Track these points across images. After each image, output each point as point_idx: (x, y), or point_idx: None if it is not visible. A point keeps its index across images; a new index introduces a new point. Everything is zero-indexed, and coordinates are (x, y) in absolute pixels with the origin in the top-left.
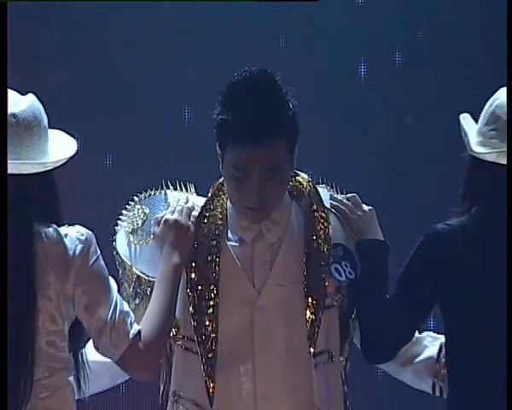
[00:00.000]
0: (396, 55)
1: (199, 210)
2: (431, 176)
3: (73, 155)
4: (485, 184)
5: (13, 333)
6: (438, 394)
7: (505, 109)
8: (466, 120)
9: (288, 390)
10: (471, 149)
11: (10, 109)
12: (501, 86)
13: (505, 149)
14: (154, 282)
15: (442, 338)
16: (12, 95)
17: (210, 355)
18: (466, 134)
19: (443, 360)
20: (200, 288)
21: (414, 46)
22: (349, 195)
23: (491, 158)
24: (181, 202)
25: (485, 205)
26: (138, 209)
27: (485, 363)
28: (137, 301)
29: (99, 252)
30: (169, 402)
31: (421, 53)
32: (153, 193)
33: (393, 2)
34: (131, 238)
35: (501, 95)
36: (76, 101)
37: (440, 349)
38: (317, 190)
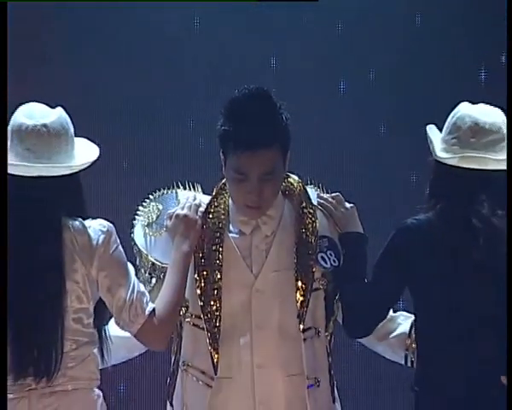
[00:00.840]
0: (370, 73)
1: (205, 206)
2: (403, 178)
3: (96, 160)
4: (448, 185)
5: (44, 312)
6: (409, 365)
7: (466, 120)
8: (432, 130)
9: (280, 361)
10: (436, 155)
11: (42, 121)
12: (461, 101)
13: (465, 154)
14: (166, 268)
15: (412, 317)
16: (43, 108)
17: (214, 331)
18: (431, 141)
19: (413, 335)
20: (205, 273)
21: (387, 66)
22: (333, 194)
23: (452, 162)
24: (189, 199)
25: (447, 202)
26: (153, 206)
27: (449, 338)
28: (152, 284)
29: (118, 241)
30: (179, 371)
31: (394, 72)
32: (165, 192)
33: (370, 29)
34: (147, 230)
35: (461, 108)
36: (99, 112)
37: (411, 327)
38: (305, 189)
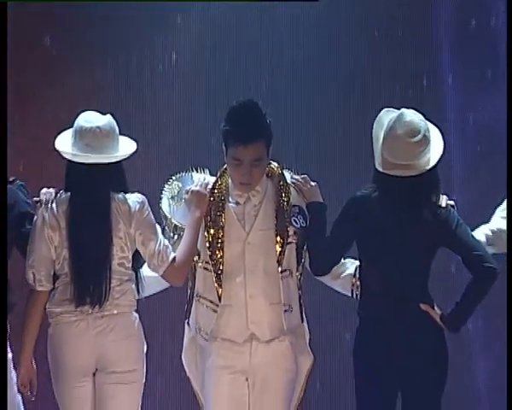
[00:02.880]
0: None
1: (211, 185)
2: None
3: (134, 152)
4: (382, 176)
5: (98, 258)
6: (354, 297)
7: (398, 128)
8: (377, 128)
9: (265, 293)
10: (377, 165)
11: (96, 124)
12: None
13: (396, 161)
14: (184, 228)
15: (357, 262)
16: (97, 115)
17: (218, 272)
18: (376, 141)
19: (357, 276)
20: (212, 231)
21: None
22: (302, 176)
23: (388, 172)
24: (201, 180)
25: (385, 184)
26: (175, 184)
27: (383, 277)
28: (174, 239)
29: (149, 209)
30: (193, 301)
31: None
32: (184, 174)
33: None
34: (171, 202)
35: (383, 117)
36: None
37: (356, 269)
38: (283, 172)
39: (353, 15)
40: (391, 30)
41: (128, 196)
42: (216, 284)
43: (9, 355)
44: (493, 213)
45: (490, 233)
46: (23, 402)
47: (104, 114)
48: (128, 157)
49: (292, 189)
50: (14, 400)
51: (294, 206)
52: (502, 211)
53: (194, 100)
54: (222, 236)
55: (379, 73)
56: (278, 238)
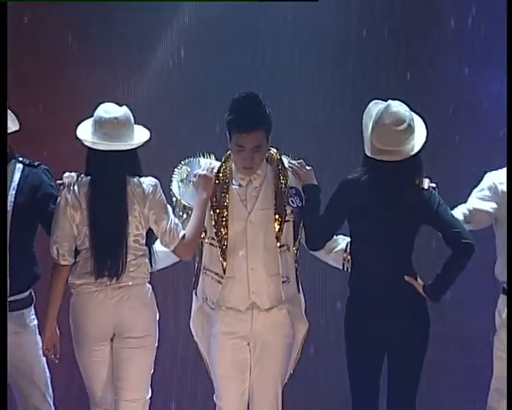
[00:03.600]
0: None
1: (217, 169)
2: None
3: (148, 140)
4: (371, 161)
5: (115, 235)
6: (345, 270)
7: (385, 119)
8: (366, 119)
9: (265, 266)
10: (366, 151)
11: (114, 115)
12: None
13: (384, 147)
14: (192, 208)
15: (348, 239)
16: (115, 106)
17: (223, 247)
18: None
19: (348, 251)
20: (218, 211)
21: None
22: (298, 160)
23: (376, 157)
24: (207, 164)
25: (373, 169)
26: (184, 168)
27: (370, 252)
28: (183, 218)
29: (161, 191)
30: (201, 273)
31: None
32: (192, 160)
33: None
34: (180, 184)
35: (372, 108)
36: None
37: (347, 245)
38: (281, 157)
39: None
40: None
41: (142, 179)
42: (221, 258)
43: (35, 322)
44: (470, 194)
45: (467, 212)
46: (47, 364)
47: (121, 105)
48: (142, 145)
49: (289, 172)
50: (40, 362)
51: (291, 188)
52: (477, 192)
53: (201, 92)
54: (226, 215)
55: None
56: (277, 217)
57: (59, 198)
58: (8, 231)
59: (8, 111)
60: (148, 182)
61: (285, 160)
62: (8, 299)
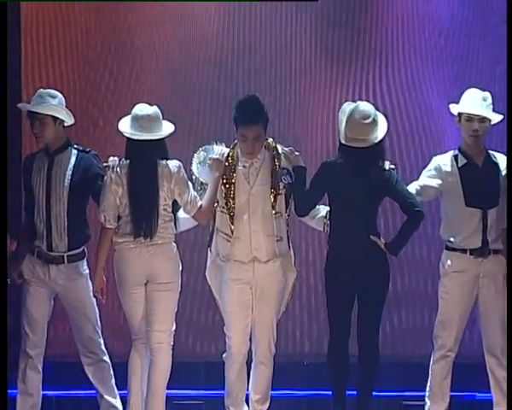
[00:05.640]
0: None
1: (226, 154)
2: None
3: (173, 132)
4: (345, 147)
5: (150, 203)
6: (325, 232)
7: (355, 115)
8: (342, 113)
9: (263, 228)
10: (341, 140)
11: (146, 112)
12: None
13: (354, 136)
14: (207, 184)
15: (327, 208)
16: (147, 106)
17: (231, 214)
18: (341, 124)
19: (327, 217)
20: (227, 186)
21: None
22: (289, 147)
23: (349, 144)
24: (219, 150)
25: (347, 152)
26: (201, 153)
27: (344, 218)
28: (200, 192)
29: (184, 170)
30: (214, 234)
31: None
32: (208, 146)
33: None
34: (198, 165)
35: (345, 107)
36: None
37: (327, 212)
38: (276, 145)
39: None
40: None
41: (169, 162)
42: (229, 222)
43: (87, 271)
44: (421, 173)
45: (418, 187)
46: (97, 303)
47: (151, 104)
48: (168, 136)
49: (282, 156)
50: (91, 301)
51: (283, 168)
52: (426, 172)
53: (218, 95)
54: (233, 189)
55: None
56: (272, 190)
57: (105, 177)
58: (66, 202)
59: (66, 108)
60: (173, 164)
61: (279, 147)
62: (67, 253)
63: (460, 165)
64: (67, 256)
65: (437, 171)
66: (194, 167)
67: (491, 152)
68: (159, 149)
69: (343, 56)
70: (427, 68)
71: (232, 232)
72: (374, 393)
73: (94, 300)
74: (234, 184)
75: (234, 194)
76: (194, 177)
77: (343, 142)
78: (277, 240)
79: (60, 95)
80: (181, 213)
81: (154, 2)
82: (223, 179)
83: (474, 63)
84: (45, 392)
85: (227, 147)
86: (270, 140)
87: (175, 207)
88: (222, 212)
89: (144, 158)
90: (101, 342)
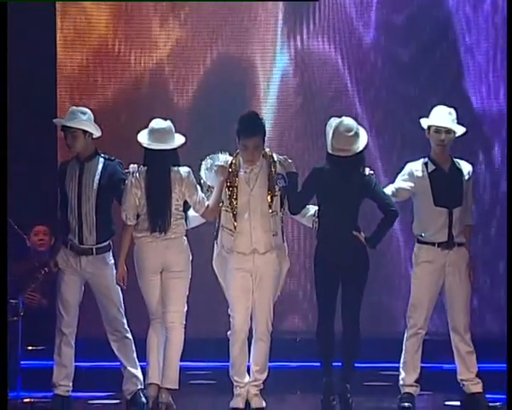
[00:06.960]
0: None
1: (230, 161)
2: None
3: (184, 143)
4: (331, 156)
5: (163, 203)
6: (314, 228)
7: (340, 128)
8: (328, 129)
9: (261, 225)
10: (328, 149)
11: (161, 126)
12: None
13: (339, 147)
14: (213, 187)
15: (316, 207)
16: (162, 120)
17: (234, 213)
18: (327, 136)
19: (316, 215)
20: (231, 188)
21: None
22: (283, 156)
23: (335, 153)
24: (224, 158)
25: (333, 160)
26: (208, 160)
27: (331, 217)
28: (207, 194)
29: (193, 176)
30: (219, 230)
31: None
32: (214, 155)
33: None
34: (206, 171)
35: (332, 122)
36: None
37: (315, 211)
38: (272, 154)
39: None
40: None
41: (180, 168)
42: (232, 220)
43: (112, 261)
44: (396, 177)
45: (394, 189)
46: (121, 289)
47: (166, 119)
48: (180, 146)
49: (277, 164)
50: (115, 287)
51: (278, 174)
52: (400, 176)
53: (221, 111)
54: (236, 191)
55: None
56: (269, 192)
57: (127, 181)
58: (94, 203)
59: (94, 123)
60: (184, 170)
61: (275, 155)
62: (95, 246)
63: (429, 170)
64: (96, 249)
65: (410, 175)
66: (202, 173)
67: (455, 159)
68: (172, 157)
69: None
70: None
71: (235, 228)
72: (356, 364)
73: (118, 287)
74: (236, 187)
75: (236, 195)
76: (202, 181)
77: (330, 151)
78: (273, 235)
79: (89, 111)
80: (191, 212)
81: (158, 2)
82: (227, 183)
83: None
84: (77, 363)
85: (230, 155)
86: (268, 150)
87: (186, 206)
88: (226, 211)
89: (159, 165)
90: (125, 321)
